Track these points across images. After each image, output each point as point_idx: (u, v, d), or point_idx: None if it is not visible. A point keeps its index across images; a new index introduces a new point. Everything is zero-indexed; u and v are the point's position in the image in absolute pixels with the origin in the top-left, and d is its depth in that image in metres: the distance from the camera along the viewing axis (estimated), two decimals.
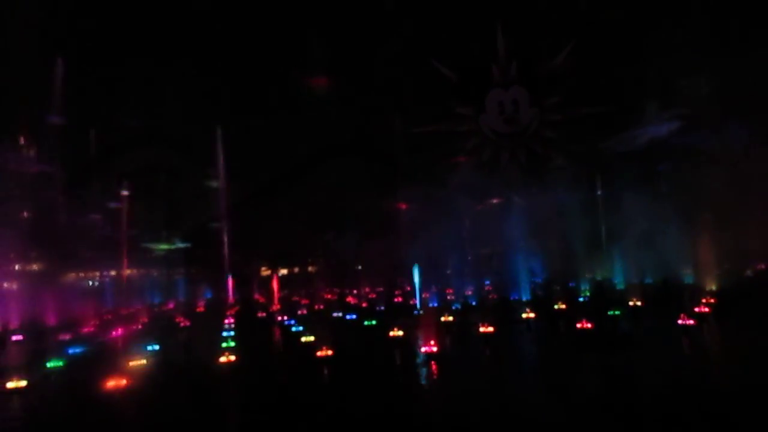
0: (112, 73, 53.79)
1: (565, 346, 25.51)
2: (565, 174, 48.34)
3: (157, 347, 27.81)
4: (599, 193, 51.33)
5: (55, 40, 50.06)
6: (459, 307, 38.30)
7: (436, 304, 39.59)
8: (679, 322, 25.88)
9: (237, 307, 48.77)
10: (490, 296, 44.73)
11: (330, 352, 23.44)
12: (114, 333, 35.42)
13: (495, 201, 53.61)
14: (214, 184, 61.25)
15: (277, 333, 34.20)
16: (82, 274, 57.21)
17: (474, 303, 40.83)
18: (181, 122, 56.62)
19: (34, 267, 53.20)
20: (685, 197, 40.92)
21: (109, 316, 44.69)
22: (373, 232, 57.69)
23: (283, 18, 57.45)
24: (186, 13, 56.49)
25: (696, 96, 47.58)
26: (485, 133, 59.48)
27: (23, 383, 20.66)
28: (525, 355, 25.03)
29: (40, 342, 30.50)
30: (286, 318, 38.48)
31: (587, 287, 42.96)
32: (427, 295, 43.39)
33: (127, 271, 59.71)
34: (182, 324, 40.05)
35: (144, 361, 24.40)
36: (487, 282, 49.57)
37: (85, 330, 37.16)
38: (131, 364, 23.66)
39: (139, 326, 38.94)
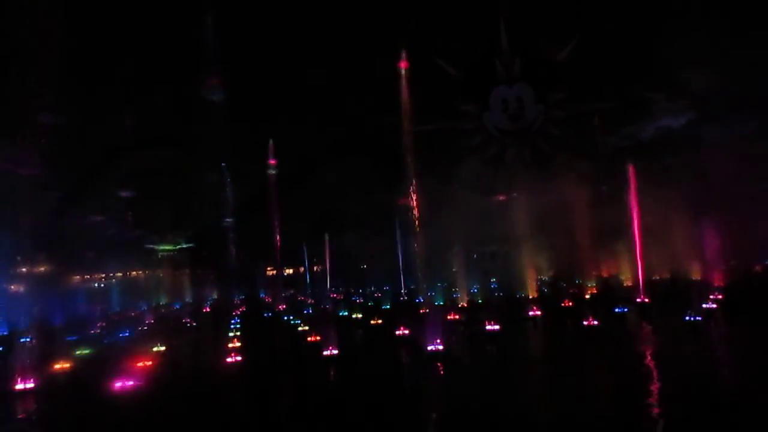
0: (118, 73, 53.98)
1: (572, 343, 25.41)
2: (570, 170, 48.11)
3: (163, 348, 27.87)
4: (605, 188, 51.02)
5: (63, 38, 50.20)
6: (465, 305, 38.23)
7: (441, 302, 39.55)
8: (687, 318, 25.76)
9: (243, 308, 48.85)
10: (496, 294, 44.65)
11: (336, 351, 23.42)
12: (121, 334, 35.54)
13: (500, 198, 53.45)
14: (220, 185, 61.38)
15: (283, 332, 34.19)
16: (88, 276, 57.46)
17: (480, 301, 40.75)
18: (187, 124, 56.82)
19: (41, 269, 53.41)
20: (693, 192, 40.55)
21: (116, 318, 44.86)
22: (378, 231, 57.75)
23: (286, 17, 57.55)
24: (193, 13, 56.66)
25: (704, 87, 47.06)
26: (489, 131, 59.32)
27: (31, 385, 20.75)
28: (531, 353, 24.93)
29: (47, 344, 30.61)
30: (292, 317, 38.50)
31: (594, 284, 42.79)
32: (433, 294, 43.35)
33: (134, 273, 60.01)
34: (189, 324, 40.18)
35: (151, 362, 24.44)
36: (493, 279, 49.50)
37: (92, 331, 37.28)
38: (138, 364, 23.72)
39: (146, 327, 39.04)
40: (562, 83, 57.68)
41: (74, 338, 33.05)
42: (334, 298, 50.62)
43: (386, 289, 50.62)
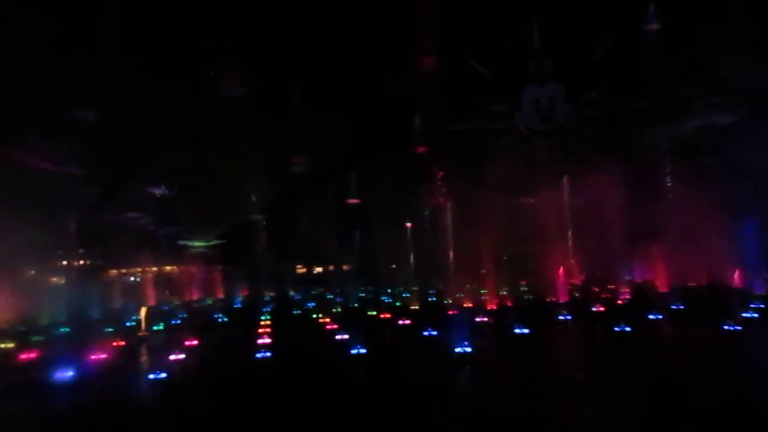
0: (154, 74, 55.26)
1: (603, 349, 24.99)
2: (603, 171, 47.21)
3: (195, 342, 28.42)
4: (640, 190, 49.80)
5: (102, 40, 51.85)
6: (494, 307, 37.91)
7: (470, 304, 39.31)
8: (725, 327, 24.99)
9: (273, 305, 49.39)
10: (526, 297, 44.14)
11: (363, 350, 23.52)
12: (155, 327, 36.36)
13: (531, 200, 52.77)
14: (252, 182, 62.22)
15: (312, 330, 34.47)
16: (124, 271, 58.94)
17: (509, 303, 40.36)
18: (220, 123, 57.84)
19: (81, 263, 55.13)
20: (734, 193, 38.98)
21: (151, 311, 45.86)
22: (407, 231, 57.74)
23: (319, 14, 57.96)
24: (228, 16, 57.58)
25: (748, 83, 45.23)
26: (520, 131, 58.68)
27: (69, 373, 21.44)
28: (561, 358, 24.59)
29: (85, 335, 31.58)
30: (320, 315, 38.79)
31: (627, 289, 41.87)
32: (462, 295, 43.10)
33: (167, 268, 61.33)
34: (220, 319, 40.85)
35: (183, 355, 24.97)
36: (523, 282, 48.93)
37: (127, 324, 38.23)
38: (172, 357, 24.28)
39: (179, 321, 39.85)
40: (595, 82, 56.72)
41: (110, 330, 33.97)
42: (362, 297, 50.79)
43: (415, 290, 50.51)
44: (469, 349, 22.52)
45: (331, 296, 52.43)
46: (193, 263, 60.76)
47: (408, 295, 48.78)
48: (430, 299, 46.67)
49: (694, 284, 41.46)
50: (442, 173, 51.29)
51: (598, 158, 49.73)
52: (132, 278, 59.63)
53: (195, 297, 56.81)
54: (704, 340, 25.15)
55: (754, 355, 22.57)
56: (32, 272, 46.36)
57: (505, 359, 23.94)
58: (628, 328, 26.22)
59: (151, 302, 50.92)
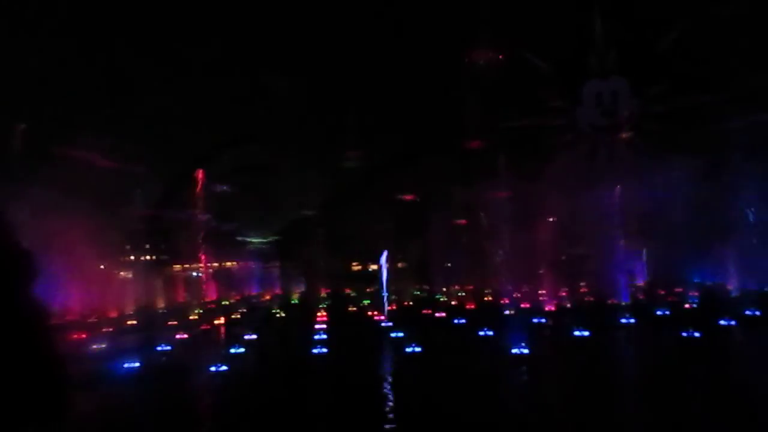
0: (214, 71, 57.08)
1: (669, 354, 23.88)
2: (670, 168, 45.16)
3: (254, 336, 29.12)
4: (710, 187, 47.36)
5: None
6: (552, 308, 37.04)
7: (528, 305, 38.56)
8: None
9: (329, 301, 50.04)
10: (586, 298, 42.88)
11: (418, 349, 23.46)
12: (216, 321, 37.56)
13: (592, 198, 51.16)
14: (310, 180, 63.18)
15: (367, 327, 34.70)
16: (186, 266, 61.13)
17: (568, 305, 39.32)
18: (276, 119, 59.01)
19: (146, 258, 57.63)
20: None
21: (212, 306, 47.42)
22: (463, 229, 57.17)
23: (373, 8, 58.14)
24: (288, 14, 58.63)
25: None
26: (581, 127, 57.01)
27: (137, 364, 22.42)
28: (623, 362, 23.72)
29: (151, 327, 33.01)
30: (375, 313, 38.99)
31: (695, 293, 39.92)
32: (519, 295, 42.34)
33: (228, 264, 63.21)
34: (278, 315, 41.73)
35: (243, 349, 25.64)
36: (583, 283, 47.54)
37: (190, 317, 39.65)
38: (231, 351, 24.99)
39: (239, 316, 40.99)
40: (662, 75, 54.31)
41: (174, 322, 35.31)
42: (417, 295, 50.71)
43: (470, 289, 50.00)
44: (525, 351, 22.09)
45: (386, 294, 52.62)
46: (251, 259, 62.40)
47: (463, 294, 48.37)
48: (485, 299, 46.10)
49: None
50: (499, 171, 50.43)
51: (664, 155, 47.59)
52: (194, 273, 61.77)
53: (253, 292, 58.35)
54: None
55: None
56: (102, 266, 48.74)
57: (563, 362, 23.30)
58: (696, 334, 25.00)
59: (212, 297, 52.65)
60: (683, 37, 53.11)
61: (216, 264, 60.80)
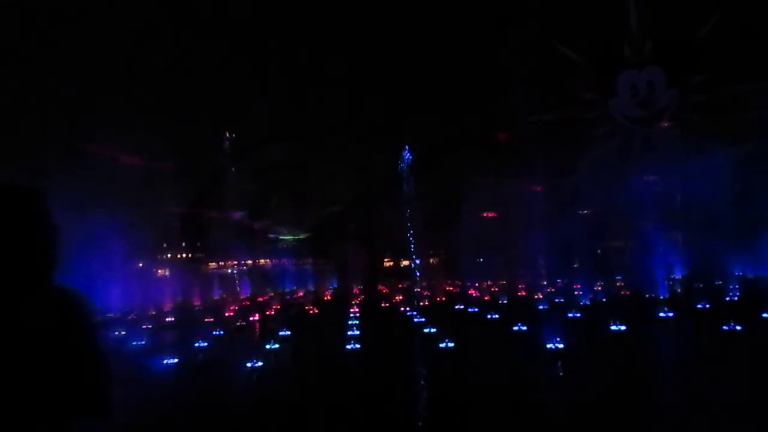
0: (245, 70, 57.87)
1: (710, 348, 23.23)
2: (709, 158, 43.89)
3: (288, 332, 29.49)
4: (752, 178, 45.81)
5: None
6: (587, 302, 36.46)
7: (562, 299, 38.04)
8: None
9: (361, 297, 50.31)
10: (622, 292, 42.06)
11: (452, 344, 23.38)
12: (251, 318, 38.15)
13: (628, 190, 50.14)
14: (341, 176, 63.60)
15: (399, 323, 34.77)
16: (222, 263, 62.30)
17: (604, 299, 38.64)
18: (307, 117, 59.54)
19: (183, 256, 58.95)
20: None
21: (247, 302, 48.19)
22: (495, 224, 56.73)
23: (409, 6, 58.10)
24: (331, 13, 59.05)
25: None
26: (616, 119, 55.82)
27: (175, 360, 22.96)
28: (662, 357, 23.17)
29: (188, 324, 33.76)
30: (408, 309, 39.02)
31: (736, 286, 38.76)
32: (553, 290, 41.80)
33: (261, 261, 64.16)
34: (311, 311, 42.17)
35: (277, 345, 26.00)
36: (619, 277, 46.66)
37: (226, 314, 40.39)
38: (267, 347, 25.36)
39: (273, 312, 41.53)
40: (701, 65, 52.66)
41: (210, 319, 36.02)
42: (450, 291, 50.56)
43: (503, 283, 49.60)
44: (561, 346, 21.79)
45: (418, 289, 52.59)
46: (285, 256, 63.19)
47: (496, 289, 48.01)
48: (519, 293, 45.66)
49: None
50: (532, 163, 49.88)
51: (704, 145, 46.29)
52: (229, 270, 62.89)
53: (287, 289, 59.05)
54: None
55: None
56: (140, 264, 50.02)
57: (599, 357, 22.89)
58: (738, 327, 24.26)
59: (247, 293, 53.52)
60: (722, 23, 51.44)
61: (250, 261, 61.77)
